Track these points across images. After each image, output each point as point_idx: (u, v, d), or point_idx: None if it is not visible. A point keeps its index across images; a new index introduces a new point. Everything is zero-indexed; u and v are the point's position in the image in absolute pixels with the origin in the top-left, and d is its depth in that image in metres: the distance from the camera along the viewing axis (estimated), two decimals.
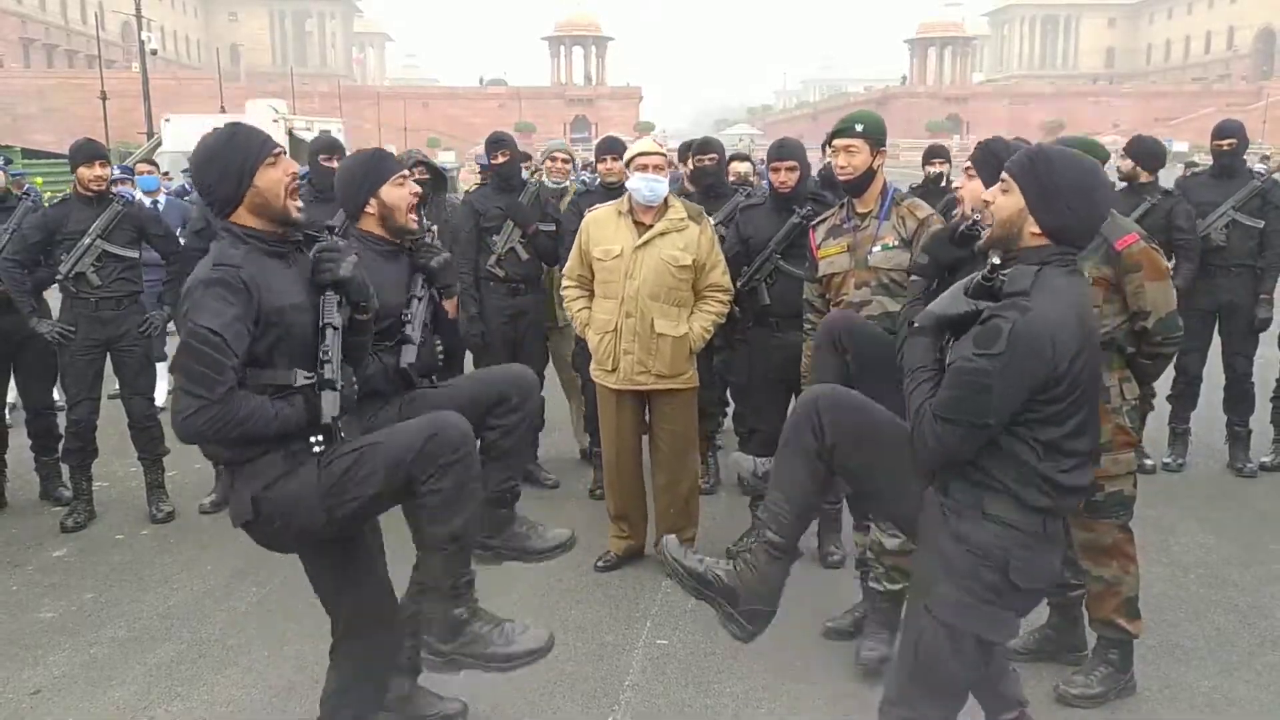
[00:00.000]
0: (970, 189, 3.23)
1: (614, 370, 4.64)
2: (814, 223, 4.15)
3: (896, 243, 3.89)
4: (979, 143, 3.36)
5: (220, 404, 2.45)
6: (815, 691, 3.77)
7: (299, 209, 2.71)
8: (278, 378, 2.59)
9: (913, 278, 3.11)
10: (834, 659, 3.99)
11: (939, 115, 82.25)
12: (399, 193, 3.19)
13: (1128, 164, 5.96)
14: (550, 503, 5.87)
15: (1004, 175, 2.46)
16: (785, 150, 4.77)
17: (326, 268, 2.67)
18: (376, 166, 3.23)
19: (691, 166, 5.99)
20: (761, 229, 4.81)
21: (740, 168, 7.05)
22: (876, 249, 3.90)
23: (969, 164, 3.29)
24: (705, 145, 5.87)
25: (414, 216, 3.26)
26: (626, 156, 4.73)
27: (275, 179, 2.64)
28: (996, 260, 2.39)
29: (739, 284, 4.82)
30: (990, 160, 3.21)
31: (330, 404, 2.61)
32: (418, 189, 3.30)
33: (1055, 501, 2.41)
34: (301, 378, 2.61)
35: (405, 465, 2.60)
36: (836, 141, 3.94)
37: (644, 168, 4.52)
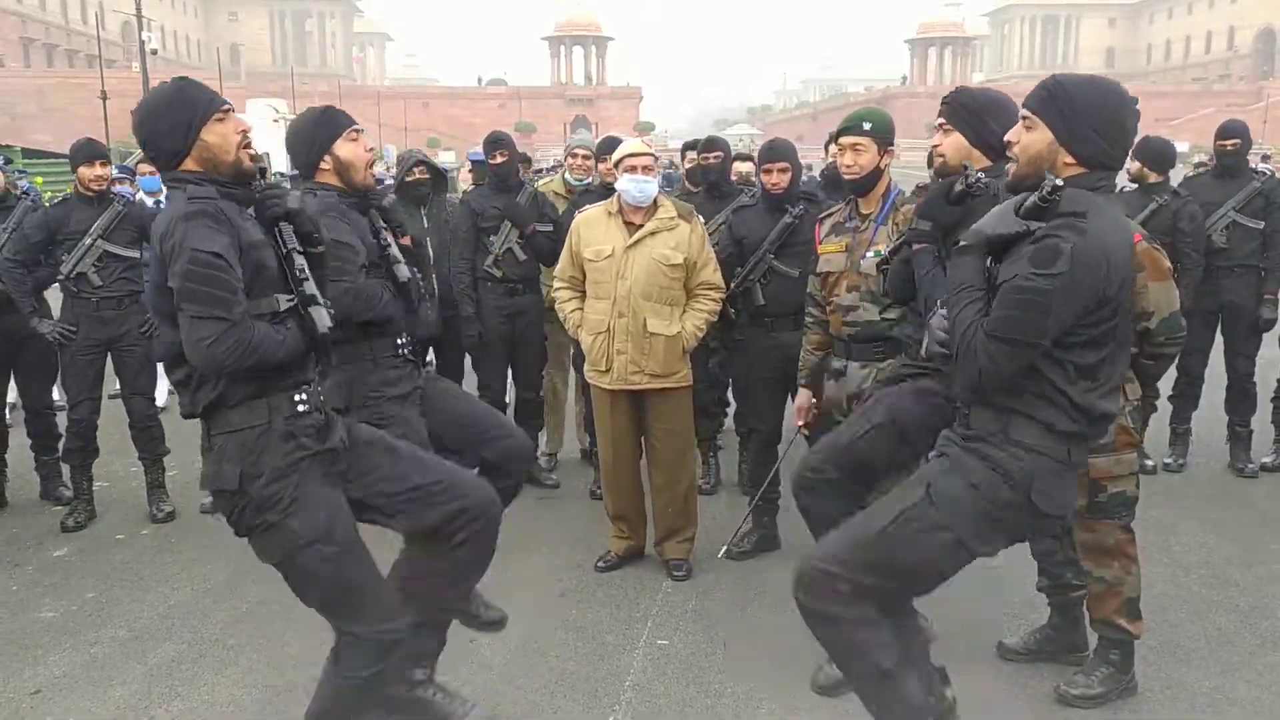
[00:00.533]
0: (950, 143, 3.22)
1: (608, 371, 4.63)
2: (821, 216, 4.14)
3: (883, 252, 3.71)
4: (945, 98, 3.34)
5: (241, 326, 2.48)
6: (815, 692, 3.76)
7: (253, 158, 2.73)
8: (262, 306, 2.61)
9: (915, 246, 3.11)
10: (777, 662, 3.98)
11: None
12: (352, 148, 3.24)
13: (1135, 165, 5.95)
14: (551, 503, 5.86)
15: (1024, 113, 2.48)
16: (775, 152, 4.79)
17: (274, 203, 2.71)
18: (327, 123, 3.27)
19: (687, 166, 5.99)
20: (754, 229, 4.83)
21: (742, 167, 7.06)
22: (870, 254, 3.80)
23: (941, 120, 3.29)
24: (710, 144, 5.87)
25: (373, 173, 3.33)
26: (615, 158, 4.73)
27: (225, 133, 2.64)
28: (1059, 181, 2.37)
29: (733, 285, 4.83)
30: (963, 112, 3.21)
31: (320, 317, 2.66)
32: (372, 146, 3.36)
33: (1083, 427, 2.43)
34: (283, 301, 2.65)
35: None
36: (843, 139, 3.86)
37: (633, 169, 4.53)
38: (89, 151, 5.45)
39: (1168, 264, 3.51)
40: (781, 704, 3.69)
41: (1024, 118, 2.49)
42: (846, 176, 3.90)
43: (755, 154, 5.71)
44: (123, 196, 5.68)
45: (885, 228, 3.82)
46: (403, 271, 3.38)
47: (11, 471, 5.93)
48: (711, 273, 4.65)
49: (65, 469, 5.77)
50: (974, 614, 4.25)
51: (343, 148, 3.23)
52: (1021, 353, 2.34)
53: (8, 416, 6.09)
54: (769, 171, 4.76)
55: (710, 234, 5.42)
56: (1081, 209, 2.32)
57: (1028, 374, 2.42)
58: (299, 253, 2.71)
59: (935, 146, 3.34)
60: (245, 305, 2.52)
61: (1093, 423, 2.44)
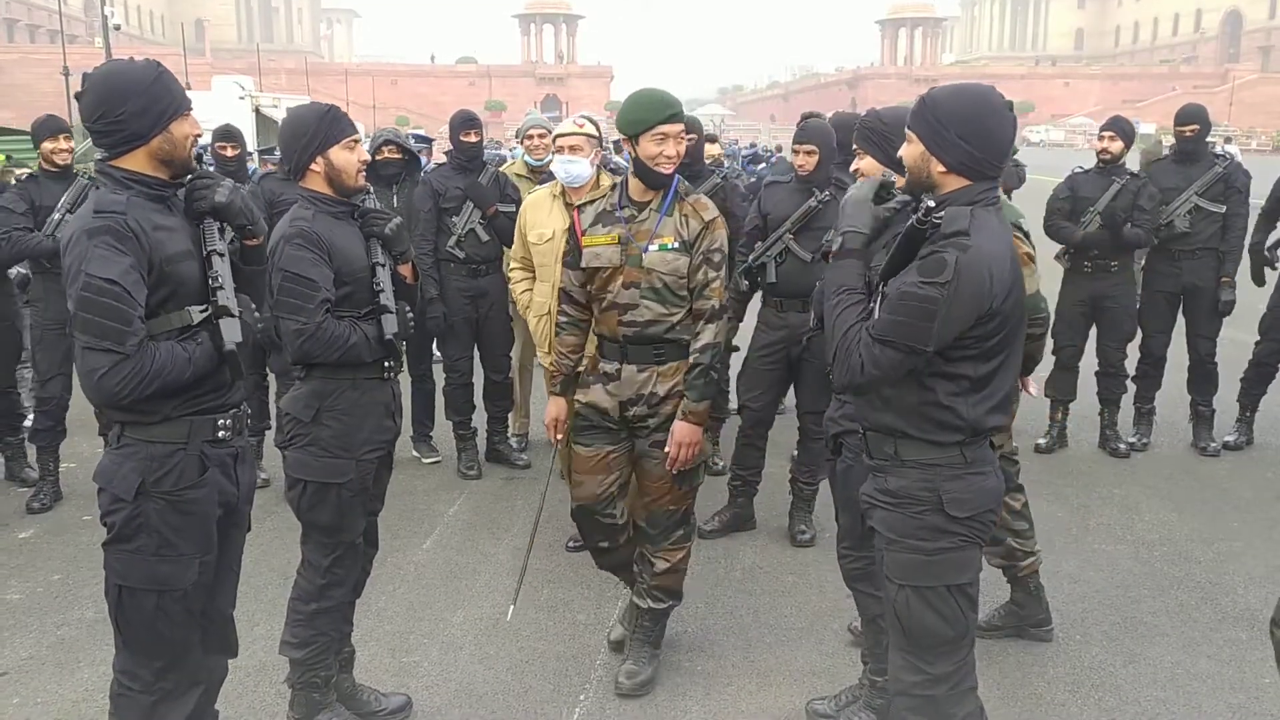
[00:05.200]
0: (866, 166, 3.24)
1: (550, 352, 4.62)
2: (580, 203, 3.60)
3: (677, 244, 3.42)
4: (857, 126, 3.37)
5: (134, 358, 2.35)
6: (783, 669, 3.81)
7: (198, 159, 2.65)
8: (174, 322, 2.48)
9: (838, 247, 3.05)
10: (803, 637, 4.03)
11: (909, 96, 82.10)
12: (348, 156, 3.08)
13: (1118, 145, 6.03)
14: (522, 484, 5.87)
15: (906, 129, 2.51)
16: (804, 133, 4.74)
17: (201, 195, 2.56)
18: (329, 126, 3.07)
19: None
20: (780, 207, 4.81)
21: (711, 149, 7.04)
22: (653, 247, 3.41)
23: (855, 146, 3.32)
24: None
25: (363, 177, 3.17)
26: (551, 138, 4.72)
27: (186, 132, 2.54)
28: (932, 203, 2.41)
29: (750, 259, 4.84)
30: (870, 135, 3.24)
31: (230, 330, 2.50)
32: (366, 156, 3.21)
33: (967, 438, 2.46)
34: (197, 313, 2.51)
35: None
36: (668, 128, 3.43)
37: (560, 149, 4.51)
38: (52, 126, 5.43)
39: (1028, 249, 3.49)
40: (751, 682, 3.73)
41: (906, 133, 2.52)
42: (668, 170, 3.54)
43: (722, 136, 5.71)
44: (88, 172, 5.60)
45: (671, 219, 3.43)
46: (389, 325, 3.11)
47: None
48: None
49: (30, 450, 5.71)
50: (709, 581, 4.50)
51: (338, 154, 3.05)
52: (905, 359, 2.36)
53: None
54: (797, 152, 4.75)
55: None
56: (963, 226, 2.34)
57: (913, 390, 2.44)
58: (220, 255, 2.56)
59: (855, 170, 3.37)
60: (143, 334, 2.38)
61: (977, 434, 2.47)
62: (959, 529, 2.45)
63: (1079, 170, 6.32)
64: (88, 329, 2.34)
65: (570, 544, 4.89)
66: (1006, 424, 2.56)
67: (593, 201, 3.55)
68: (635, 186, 3.46)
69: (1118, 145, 6.06)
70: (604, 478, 3.55)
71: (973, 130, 2.39)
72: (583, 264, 3.50)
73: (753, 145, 28.31)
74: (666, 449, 3.46)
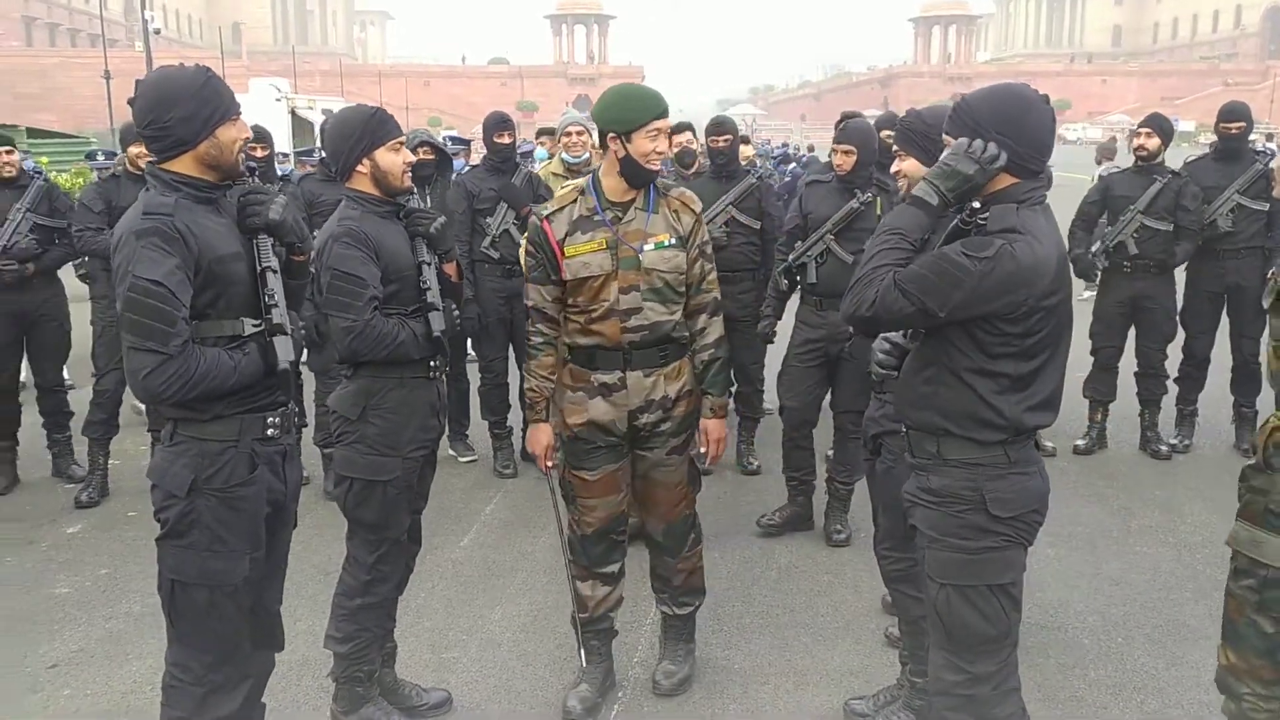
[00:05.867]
0: (908, 167, 3.21)
1: None
2: (547, 213, 3.34)
3: (673, 240, 3.32)
4: (896, 127, 3.36)
5: (178, 359, 2.40)
6: (820, 668, 3.81)
7: (247, 165, 2.69)
8: (224, 328, 2.53)
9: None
10: (840, 637, 4.03)
11: (942, 95, 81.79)
12: (393, 158, 3.12)
13: (1155, 141, 5.97)
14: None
15: (943, 135, 2.52)
16: (843, 134, 4.74)
17: (255, 212, 2.60)
18: (376, 128, 3.11)
19: (674, 150, 5.97)
20: (822, 207, 4.81)
21: (744, 151, 7.06)
22: (650, 246, 3.28)
23: (896, 148, 3.31)
24: (718, 126, 5.86)
25: (409, 179, 3.21)
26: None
27: (234, 136, 2.58)
28: (977, 203, 2.41)
29: (790, 258, 4.85)
30: (911, 135, 3.20)
31: (284, 349, 2.57)
32: (411, 158, 3.25)
33: (1010, 437, 2.45)
34: (249, 326, 2.56)
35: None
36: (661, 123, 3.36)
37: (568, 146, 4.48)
38: (136, 132, 5.52)
39: None
40: (789, 680, 3.74)
41: (944, 138, 2.52)
42: (656, 167, 3.46)
43: (754, 135, 5.72)
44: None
45: (660, 216, 3.31)
46: (437, 322, 3.16)
47: (22, 450, 5.97)
48: None
49: (76, 447, 5.82)
50: (745, 580, 4.58)
51: (384, 156, 3.10)
52: (914, 315, 2.37)
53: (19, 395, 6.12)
54: (835, 152, 4.76)
55: (714, 219, 5.45)
56: (1011, 224, 2.34)
57: (955, 388, 2.44)
58: (274, 272, 2.60)
59: (896, 171, 3.37)
60: (187, 336, 2.42)
61: (1019, 434, 2.47)
62: (1002, 529, 2.45)
63: (1114, 170, 6.27)
64: (133, 329, 2.40)
65: None
66: (1049, 423, 2.55)
67: (560, 209, 3.31)
68: (614, 187, 3.28)
69: (1154, 142, 5.99)
70: (615, 497, 3.45)
71: (1011, 127, 2.40)
72: (567, 275, 3.27)
73: (784, 145, 28.23)
74: (702, 449, 3.46)
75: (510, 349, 6.10)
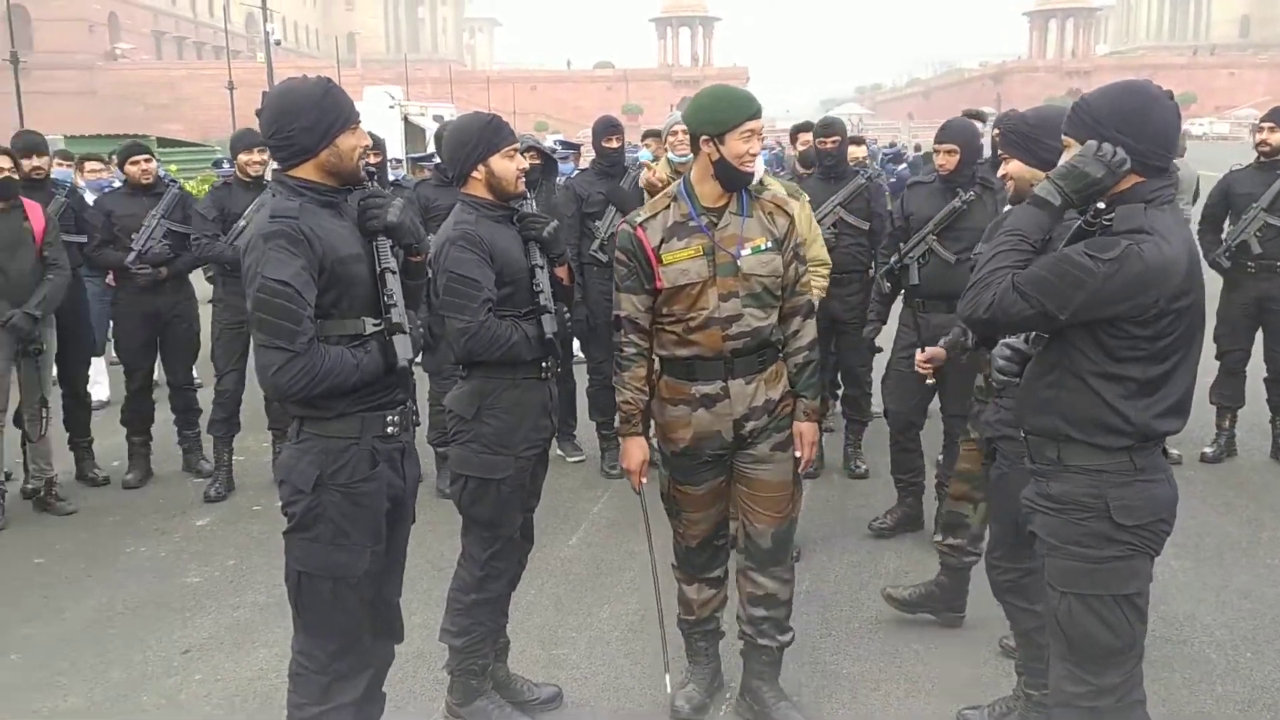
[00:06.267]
0: (1013, 169, 3.18)
1: None
2: (641, 220, 3.24)
3: (770, 244, 3.22)
4: (997, 128, 3.30)
5: (305, 355, 2.48)
6: (932, 676, 3.76)
7: (365, 168, 2.77)
8: (346, 327, 2.62)
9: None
10: (953, 645, 3.97)
11: (1059, 90, 79.40)
12: (507, 165, 3.19)
13: (1278, 136, 5.72)
14: None
15: (1062, 136, 2.47)
16: (945, 132, 4.71)
17: (374, 214, 2.68)
18: (489, 135, 3.19)
19: (800, 148, 5.97)
20: (924, 208, 4.78)
21: (857, 151, 7.00)
22: (746, 252, 3.19)
23: (1000, 150, 3.25)
24: (827, 127, 5.83)
25: (522, 185, 3.27)
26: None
27: (353, 144, 2.67)
28: (1102, 204, 2.35)
29: (893, 260, 4.81)
30: (1014, 138, 3.15)
31: (403, 348, 2.64)
32: (525, 164, 3.31)
33: (1136, 443, 2.38)
34: (370, 325, 2.64)
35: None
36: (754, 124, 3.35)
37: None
38: (248, 140, 5.83)
39: None
40: (899, 687, 3.69)
41: (1063, 140, 2.47)
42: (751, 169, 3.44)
43: (861, 136, 5.66)
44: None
45: (754, 219, 3.22)
46: (549, 325, 3.22)
47: (155, 445, 6.28)
48: (819, 249, 4.67)
49: (205, 444, 6.11)
50: (853, 585, 4.53)
51: (499, 162, 3.17)
52: (1034, 318, 2.32)
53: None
54: (937, 152, 4.72)
55: (822, 220, 5.42)
56: (1139, 224, 2.27)
57: (1078, 392, 2.38)
58: (392, 273, 2.68)
59: (1003, 175, 3.31)
60: (312, 334, 2.51)
61: (1147, 440, 2.39)
62: (1127, 537, 2.38)
63: (1235, 168, 6.01)
64: (263, 327, 2.50)
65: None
66: (1179, 429, 2.47)
67: (653, 216, 3.22)
68: (708, 192, 3.19)
69: (1277, 137, 5.73)
70: (720, 506, 3.40)
71: (1132, 123, 2.34)
72: (665, 283, 3.17)
73: (892, 144, 27.78)
74: (797, 453, 3.33)
75: None
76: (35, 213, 5.43)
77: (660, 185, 5.15)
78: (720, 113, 3.10)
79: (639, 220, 3.23)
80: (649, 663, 3.89)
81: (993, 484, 3.22)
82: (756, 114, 3.14)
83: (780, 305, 3.28)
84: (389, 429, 2.72)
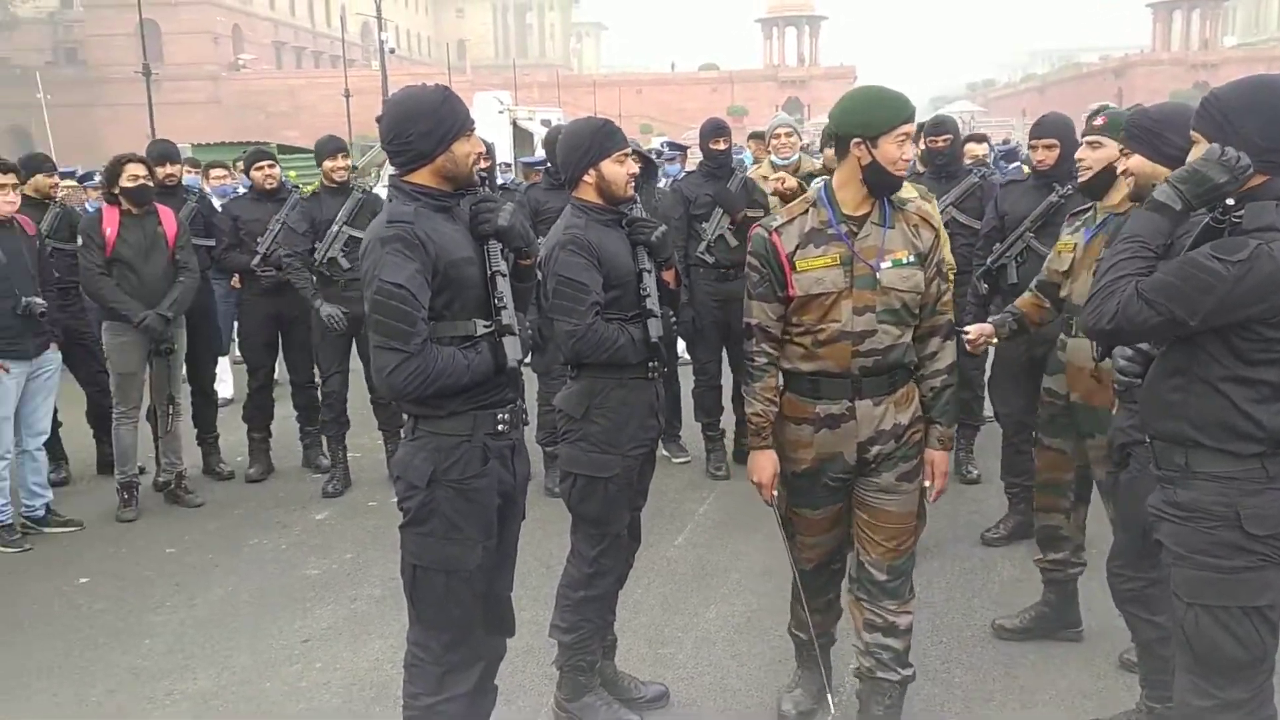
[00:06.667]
0: (1134, 164, 3.09)
1: None
2: (777, 224, 3.07)
3: (912, 258, 3.02)
4: (1123, 124, 3.20)
5: (419, 356, 2.54)
6: (1048, 688, 3.66)
7: (480, 174, 2.83)
8: (458, 329, 2.67)
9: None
10: (1069, 656, 3.86)
11: (1184, 84, 76.09)
12: (618, 170, 3.23)
13: None
14: None
15: (1190, 132, 2.40)
16: (1044, 127, 4.62)
17: (485, 219, 2.73)
18: (601, 140, 3.24)
19: (923, 147, 5.88)
20: (1019, 206, 4.70)
21: (976, 149, 6.87)
22: (885, 265, 3.00)
23: (1123, 145, 3.16)
24: (938, 126, 5.75)
25: (632, 189, 3.30)
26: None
27: (468, 150, 2.73)
28: (1230, 200, 2.27)
29: (989, 260, 4.72)
30: (1138, 132, 3.06)
31: (513, 349, 2.69)
32: (635, 169, 3.33)
33: (1270, 450, 2.29)
34: (481, 326, 2.69)
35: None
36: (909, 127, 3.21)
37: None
38: (332, 146, 6.00)
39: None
40: (1013, 698, 3.61)
41: (1191, 136, 2.39)
42: (903, 174, 3.37)
43: (983, 133, 5.53)
44: (361, 185, 6.14)
45: (897, 231, 3.03)
46: (654, 328, 3.22)
47: (275, 441, 6.53)
48: (945, 252, 4.59)
49: (323, 439, 6.31)
50: (966, 593, 4.39)
51: (609, 167, 3.22)
52: (1163, 325, 2.24)
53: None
54: (1035, 148, 4.64)
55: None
56: (1270, 221, 2.20)
57: (1207, 396, 2.30)
58: (503, 276, 2.74)
59: (1123, 170, 3.20)
60: (426, 335, 2.56)
61: (1276, 445, 2.28)
62: (1259, 547, 2.29)
63: None
64: (379, 329, 2.58)
65: None
66: None
67: (790, 221, 3.05)
68: (850, 198, 3.00)
69: None
70: (838, 531, 3.25)
71: (1264, 119, 2.26)
72: (797, 291, 3.01)
73: (1006, 142, 27.04)
74: (926, 482, 3.16)
75: (724, 352, 6.17)
76: (168, 218, 5.70)
77: (790, 194, 5.08)
78: (874, 114, 2.93)
79: (774, 225, 3.06)
80: (755, 664, 3.89)
81: (1120, 490, 3.12)
82: (911, 117, 2.99)
83: (918, 324, 3.09)
84: (500, 427, 2.78)
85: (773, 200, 5.90)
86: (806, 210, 3.06)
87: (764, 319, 3.09)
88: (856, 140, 2.92)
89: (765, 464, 3.15)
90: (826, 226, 3.01)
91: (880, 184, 2.98)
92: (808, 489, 3.16)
